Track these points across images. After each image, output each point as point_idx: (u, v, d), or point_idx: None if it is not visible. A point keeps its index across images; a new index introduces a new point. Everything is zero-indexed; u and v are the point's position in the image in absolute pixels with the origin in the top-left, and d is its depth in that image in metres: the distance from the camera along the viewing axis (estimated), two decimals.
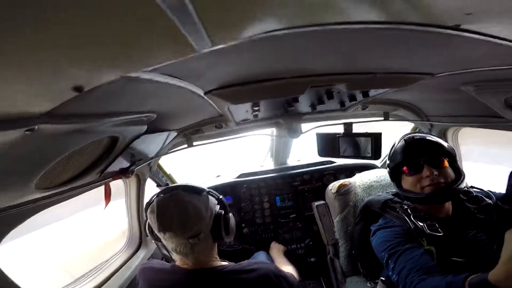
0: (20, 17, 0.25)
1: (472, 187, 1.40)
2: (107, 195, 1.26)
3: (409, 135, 1.38)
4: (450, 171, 1.26)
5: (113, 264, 1.47)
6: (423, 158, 1.25)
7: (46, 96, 0.40)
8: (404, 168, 1.31)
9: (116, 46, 0.33)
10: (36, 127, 0.45)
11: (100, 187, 1.20)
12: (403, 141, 1.35)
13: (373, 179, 1.76)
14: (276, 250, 1.86)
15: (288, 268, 1.37)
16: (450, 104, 1.45)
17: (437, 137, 1.71)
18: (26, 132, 0.45)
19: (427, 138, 1.33)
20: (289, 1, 0.35)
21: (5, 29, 0.26)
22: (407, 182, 1.31)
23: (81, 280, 1.29)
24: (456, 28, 0.48)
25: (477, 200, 1.29)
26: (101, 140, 0.80)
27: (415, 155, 1.28)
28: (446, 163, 1.26)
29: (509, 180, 0.84)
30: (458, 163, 1.75)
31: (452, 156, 1.30)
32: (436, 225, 1.20)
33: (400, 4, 0.40)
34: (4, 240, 0.84)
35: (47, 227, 2.03)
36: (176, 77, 0.66)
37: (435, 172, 1.21)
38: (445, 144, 1.31)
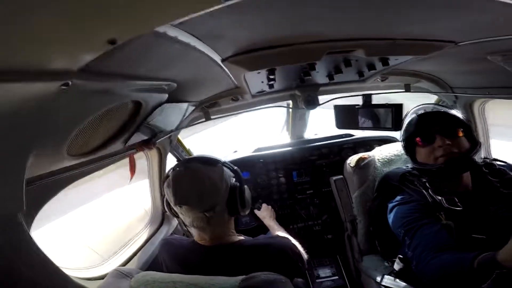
0: None
1: (495, 159, 1.35)
2: (132, 168, 1.32)
3: (420, 107, 1.35)
4: (464, 141, 1.22)
5: (137, 241, 1.50)
6: (436, 127, 1.22)
7: (82, 49, 0.42)
8: (417, 139, 1.28)
9: None
10: (71, 82, 0.48)
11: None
12: (415, 114, 1.32)
13: (393, 152, 1.71)
14: (269, 216, 1.81)
15: (284, 234, 1.41)
16: (475, 75, 1.37)
17: (461, 109, 1.64)
18: (62, 87, 0.48)
19: (440, 109, 1.30)
20: None
21: None
22: (421, 154, 1.29)
23: (109, 259, 1.32)
24: None
25: (500, 173, 1.24)
26: (126, 104, 0.84)
27: (428, 125, 1.25)
28: (461, 133, 1.22)
29: None
30: (481, 136, 1.68)
31: (466, 126, 1.26)
32: (455, 199, 1.17)
33: None
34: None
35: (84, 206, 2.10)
36: (197, 38, 0.66)
37: (448, 142, 1.17)
38: (458, 114, 1.27)
